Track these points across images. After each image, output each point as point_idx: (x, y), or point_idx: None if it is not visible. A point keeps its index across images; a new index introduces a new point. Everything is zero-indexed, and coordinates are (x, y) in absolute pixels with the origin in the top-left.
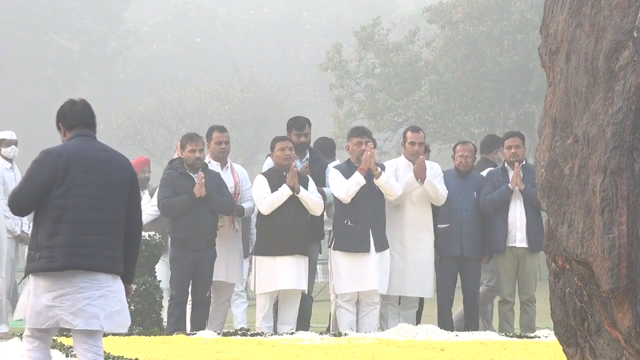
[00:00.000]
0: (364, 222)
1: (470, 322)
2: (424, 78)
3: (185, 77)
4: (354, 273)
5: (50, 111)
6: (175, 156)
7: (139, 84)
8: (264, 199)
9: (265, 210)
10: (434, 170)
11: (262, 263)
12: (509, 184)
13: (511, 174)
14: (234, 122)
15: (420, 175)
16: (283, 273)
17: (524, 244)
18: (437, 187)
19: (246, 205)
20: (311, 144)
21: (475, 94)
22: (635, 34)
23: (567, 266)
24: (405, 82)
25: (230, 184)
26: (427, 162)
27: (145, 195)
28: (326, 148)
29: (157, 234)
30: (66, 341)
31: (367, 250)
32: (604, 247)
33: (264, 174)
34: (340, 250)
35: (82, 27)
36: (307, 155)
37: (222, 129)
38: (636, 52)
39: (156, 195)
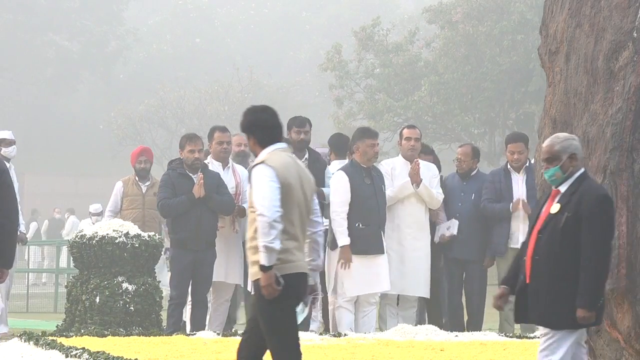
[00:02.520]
0: (375, 224)
1: (474, 325)
2: (423, 78)
3: (185, 77)
4: (368, 275)
5: (50, 112)
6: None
7: (138, 84)
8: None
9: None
10: (431, 172)
11: None
12: (510, 206)
13: (514, 176)
14: (234, 122)
15: (415, 179)
16: None
17: None
18: (431, 190)
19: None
20: (326, 141)
21: (475, 95)
22: (635, 35)
23: None
24: (405, 83)
25: (231, 184)
26: (424, 162)
27: None
28: (341, 145)
29: (156, 234)
30: (66, 341)
31: (382, 251)
32: None
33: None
34: (353, 254)
35: (81, 28)
36: (307, 155)
37: (223, 129)
38: (636, 52)
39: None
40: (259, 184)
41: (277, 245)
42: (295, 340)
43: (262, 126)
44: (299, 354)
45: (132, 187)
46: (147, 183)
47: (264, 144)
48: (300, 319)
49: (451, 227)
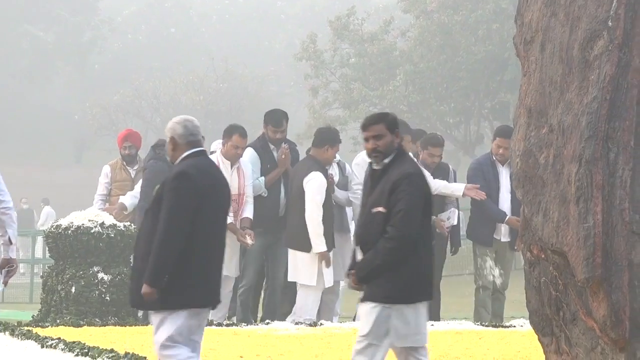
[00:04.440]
0: None
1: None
2: (398, 68)
3: (160, 67)
4: None
5: (25, 103)
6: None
7: (113, 75)
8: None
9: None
10: None
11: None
12: (506, 220)
13: (499, 168)
14: (209, 112)
15: None
16: (334, 267)
17: (507, 239)
18: (448, 189)
19: (249, 213)
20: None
21: (450, 84)
22: (610, 24)
23: (542, 255)
24: (380, 72)
25: (234, 184)
26: None
27: None
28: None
29: (132, 224)
30: (41, 332)
31: None
32: (579, 236)
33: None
34: None
35: (56, 18)
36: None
37: (244, 134)
38: (611, 41)
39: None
40: None
41: None
42: None
43: None
44: None
45: (120, 172)
46: (136, 167)
47: None
48: None
49: (451, 217)
